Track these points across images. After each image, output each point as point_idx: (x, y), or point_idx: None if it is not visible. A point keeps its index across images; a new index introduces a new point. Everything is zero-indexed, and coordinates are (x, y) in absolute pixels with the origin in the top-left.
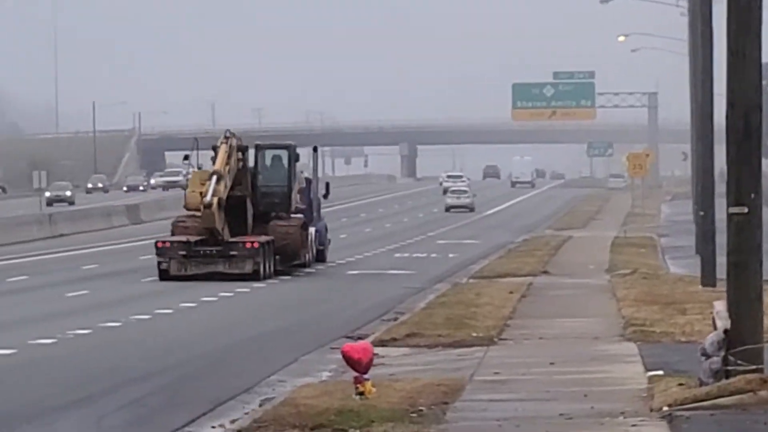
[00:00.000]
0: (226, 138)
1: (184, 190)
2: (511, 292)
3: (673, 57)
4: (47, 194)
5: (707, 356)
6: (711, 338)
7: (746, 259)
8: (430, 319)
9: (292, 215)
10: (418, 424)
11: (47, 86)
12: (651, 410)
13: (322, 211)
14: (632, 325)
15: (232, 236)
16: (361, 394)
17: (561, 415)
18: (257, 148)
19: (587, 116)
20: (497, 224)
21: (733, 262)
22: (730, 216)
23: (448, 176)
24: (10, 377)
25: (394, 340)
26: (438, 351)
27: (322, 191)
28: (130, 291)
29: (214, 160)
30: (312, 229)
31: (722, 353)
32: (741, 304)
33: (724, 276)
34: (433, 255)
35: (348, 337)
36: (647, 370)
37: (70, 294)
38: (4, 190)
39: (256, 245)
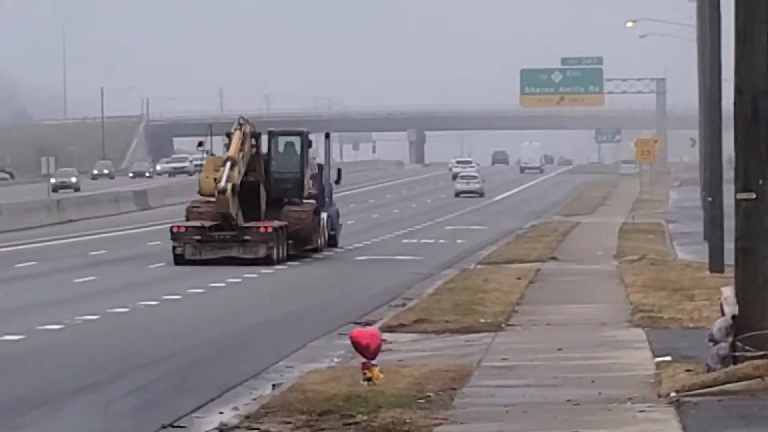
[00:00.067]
0: (240, 125)
1: (190, 175)
2: (519, 278)
3: (682, 43)
4: (52, 181)
5: (715, 342)
6: (719, 324)
7: (754, 245)
8: (438, 305)
9: (305, 201)
10: (426, 410)
11: (55, 72)
12: (659, 396)
13: (333, 196)
14: (640, 311)
15: (245, 221)
16: (369, 379)
17: (568, 401)
18: (270, 134)
19: (595, 102)
20: (505, 210)
21: (741, 248)
22: (738, 202)
23: (458, 162)
24: (19, 363)
25: (402, 326)
26: (446, 337)
27: (334, 177)
28: (138, 277)
29: (228, 146)
30: (324, 215)
31: (730, 339)
32: (749, 290)
33: (732, 262)
34: (441, 241)
35: (356, 323)
36: (655, 356)
37: (77, 280)
38: (12, 176)
39: (269, 230)
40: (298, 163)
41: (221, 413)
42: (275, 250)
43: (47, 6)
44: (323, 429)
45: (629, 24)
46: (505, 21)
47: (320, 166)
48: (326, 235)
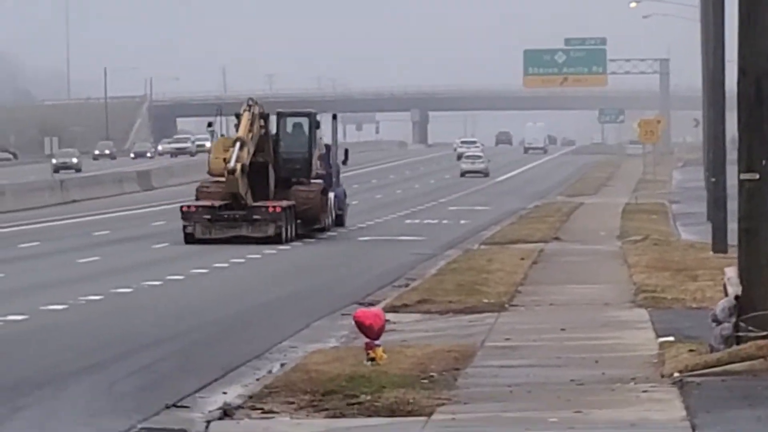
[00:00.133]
0: (249, 106)
1: (192, 156)
2: (522, 259)
3: (685, 23)
4: (53, 161)
5: (718, 322)
6: (722, 304)
7: (757, 226)
8: (442, 285)
9: (313, 181)
10: (429, 390)
11: (58, 52)
12: (662, 376)
13: (340, 177)
14: (643, 292)
15: (254, 201)
16: (373, 360)
17: (572, 380)
18: (279, 115)
19: (599, 83)
20: (509, 190)
21: (744, 228)
22: (741, 182)
23: (462, 142)
24: (22, 343)
25: (406, 306)
26: (449, 317)
27: (342, 158)
28: (142, 257)
29: (237, 127)
30: (331, 195)
31: (733, 319)
32: (752, 271)
33: (735, 242)
34: (445, 221)
35: (359, 304)
36: (658, 336)
37: (81, 260)
38: (15, 156)
39: (278, 210)
40: (307, 143)
41: (225, 393)
42: (284, 229)
43: None
44: (326, 409)
45: (633, 4)
46: (508, 1)
47: (328, 147)
48: (333, 215)
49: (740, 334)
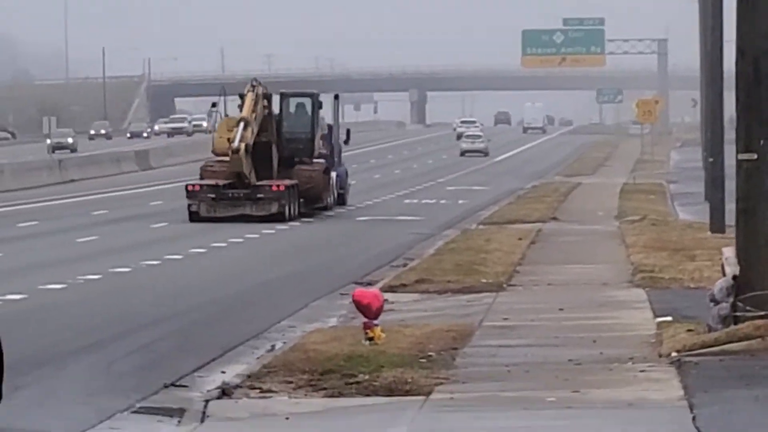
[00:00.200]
0: (253, 86)
1: (189, 136)
2: (520, 239)
3: (683, 3)
4: (48, 141)
5: (716, 302)
6: (720, 284)
7: (755, 206)
8: (440, 265)
9: (315, 160)
10: (428, 370)
11: (57, 32)
12: (659, 356)
13: (342, 156)
14: (641, 272)
15: (258, 180)
16: (371, 339)
17: (570, 360)
18: (282, 96)
19: (597, 63)
20: (507, 170)
21: (742, 208)
22: (739, 162)
23: (462, 122)
24: (20, 323)
25: (404, 286)
26: (447, 297)
27: (343, 137)
28: (140, 237)
29: (241, 107)
30: (333, 174)
31: (731, 299)
32: (750, 250)
33: (733, 222)
34: (443, 201)
35: (358, 283)
36: (656, 316)
37: (80, 239)
38: (13, 135)
39: (281, 188)
40: (309, 123)
41: (223, 373)
42: (287, 207)
43: None
44: (325, 388)
45: None
46: None
47: (330, 127)
48: (335, 194)
49: (738, 313)
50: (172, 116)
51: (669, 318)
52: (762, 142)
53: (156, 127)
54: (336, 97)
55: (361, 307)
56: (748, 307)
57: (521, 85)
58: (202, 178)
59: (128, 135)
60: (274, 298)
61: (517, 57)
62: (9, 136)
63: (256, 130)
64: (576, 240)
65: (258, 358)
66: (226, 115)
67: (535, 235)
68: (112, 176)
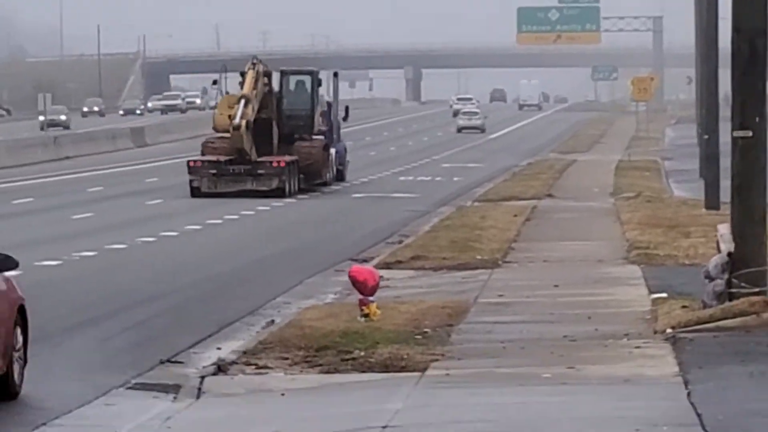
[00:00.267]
0: (254, 64)
1: (183, 113)
2: (515, 215)
3: None
4: (41, 118)
5: (711, 279)
6: (715, 261)
7: (750, 183)
8: (435, 242)
9: (315, 137)
10: (423, 346)
11: (52, 8)
12: (654, 332)
13: (341, 133)
14: (636, 248)
15: (258, 156)
16: (366, 316)
17: (565, 337)
18: (282, 73)
19: (592, 40)
20: (502, 147)
21: (737, 185)
22: (734, 140)
23: (458, 99)
24: None
25: (399, 262)
26: (443, 273)
27: (342, 114)
28: (136, 213)
29: (242, 84)
30: (333, 150)
31: (726, 276)
32: (745, 227)
33: (728, 199)
34: (438, 178)
35: (353, 260)
36: (651, 292)
37: (75, 216)
38: (9, 112)
39: (282, 164)
40: (309, 100)
41: (219, 349)
42: (287, 183)
43: None
44: (321, 365)
45: None
46: None
47: (329, 104)
48: (334, 170)
49: (733, 290)
50: (165, 93)
51: (664, 294)
52: (757, 119)
53: (149, 104)
54: (335, 74)
55: (357, 284)
56: (742, 284)
57: (516, 62)
58: (203, 154)
59: (121, 112)
60: (269, 275)
61: (513, 34)
62: (4, 113)
63: (256, 107)
64: (571, 217)
65: (257, 332)
66: (227, 92)
67: (530, 212)
68: (107, 153)
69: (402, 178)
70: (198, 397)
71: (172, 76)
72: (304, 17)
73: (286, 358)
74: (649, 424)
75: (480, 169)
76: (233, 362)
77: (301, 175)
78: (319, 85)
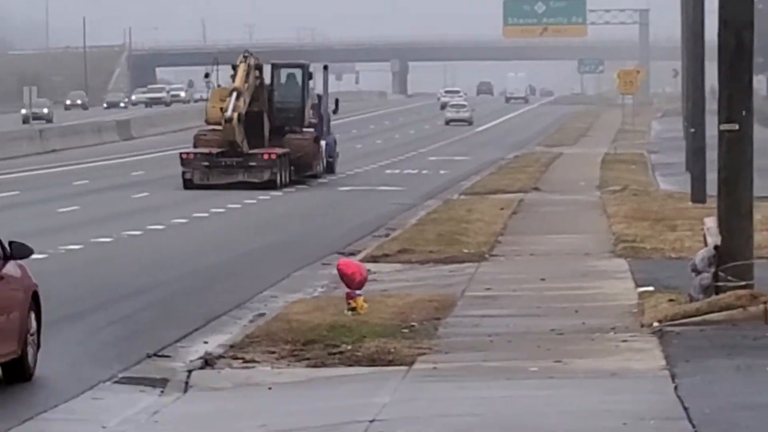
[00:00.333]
0: (245, 57)
1: (167, 106)
2: (502, 209)
3: None
4: (23, 111)
5: (697, 272)
6: (701, 254)
7: (737, 176)
8: (422, 235)
9: (305, 129)
10: (410, 340)
11: (38, 1)
12: (641, 326)
13: (331, 125)
14: (623, 242)
15: (250, 148)
16: (353, 309)
17: (552, 330)
18: (273, 66)
19: (578, 33)
20: (488, 141)
21: (723, 178)
22: (721, 133)
23: (446, 91)
24: None
25: (386, 256)
26: (429, 267)
27: (332, 107)
28: (122, 207)
29: (234, 77)
30: (323, 142)
31: (712, 269)
32: (731, 221)
33: (714, 192)
34: (425, 171)
35: (340, 253)
36: (637, 286)
37: (61, 209)
38: None
39: (273, 156)
40: (300, 93)
41: (206, 343)
42: (279, 175)
43: None
44: (308, 358)
45: None
46: None
47: (319, 97)
48: (325, 162)
49: (719, 283)
50: (150, 86)
51: (650, 288)
52: (744, 112)
53: (133, 97)
54: (325, 67)
55: (345, 277)
56: (729, 277)
57: (503, 55)
58: (195, 147)
59: (105, 105)
60: (256, 268)
61: (499, 27)
62: None
63: (248, 100)
64: (558, 210)
65: (244, 326)
66: (219, 85)
67: (516, 205)
68: (93, 146)
69: (389, 171)
70: (185, 391)
71: (158, 69)
72: (290, 10)
73: (273, 352)
74: (636, 417)
75: (466, 162)
76: (220, 356)
77: (292, 167)
78: (310, 78)
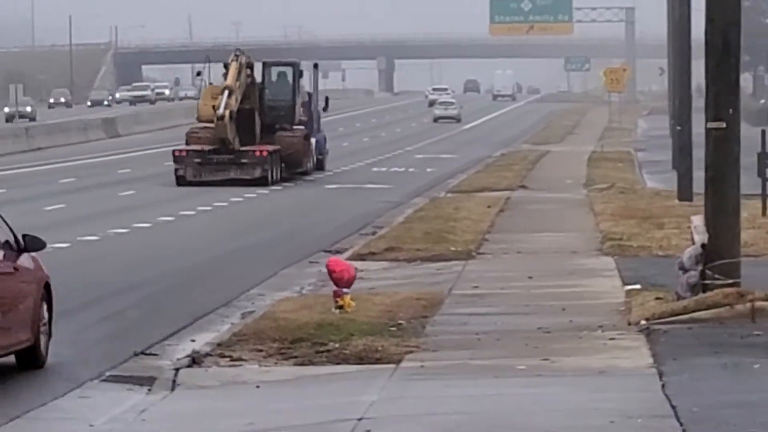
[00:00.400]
0: (237, 56)
1: (152, 104)
2: (489, 207)
3: None
4: (6, 110)
5: (685, 270)
6: (689, 252)
7: (724, 174)
8: (409, 233)
9: (296, 127)
10: (398, 338)
11: None
12: (629, 324)
13: (321, 123)
14: (610, 240)
15: (242, 146)
16: (341, 307)
17: (539, 328)
18: (264, 65)
19: (565, 31)
20: (475, 139)
21: (711, 176)
22: (708, 131)
23: (434, 89)
24: None
25: (373, 254)
26: (417, 265)
27: (322, 105)
28: (108, 205)
29: (225, 76)
30: (313, 140)
31: (700, 267)
32: (718, 219)
33: (701, 190)
34: (411, 169)
35: (327, 251)
36: (625, 284)
37: (47, 207)
38: None
39: (265, 154)
40: (290, 91)
41: (193, 341)
42: (270, 172)
43: None
44: (295, 357)
45: None
46: None
47: (309, 95)
48: (315, 159)
49: (706, 282)
50: (134, 84)
51: (638, 286)
52: (731, 110)
53: (117, 95)
54: (315, 66)
55: (334, 275)
56: (716, 275)
57: (489, 53)
58: (188, 144)
59: (89, 103)
60: (243, 266)
61: (485, 25)
62: None
63: (239, 98)
64: (545, 208)
65: (232, 324)
66: (210, 83)
67: (503, 203)
68: (79, 144)
69: (375, 169)
70: (172, 389)
71: (144, 67)
72: (277, 8)
73: (261, 350)
74: (623, 415)
75: (453, 160)
76: (208, 354)
77: (283, 164)
78: (301, 76)
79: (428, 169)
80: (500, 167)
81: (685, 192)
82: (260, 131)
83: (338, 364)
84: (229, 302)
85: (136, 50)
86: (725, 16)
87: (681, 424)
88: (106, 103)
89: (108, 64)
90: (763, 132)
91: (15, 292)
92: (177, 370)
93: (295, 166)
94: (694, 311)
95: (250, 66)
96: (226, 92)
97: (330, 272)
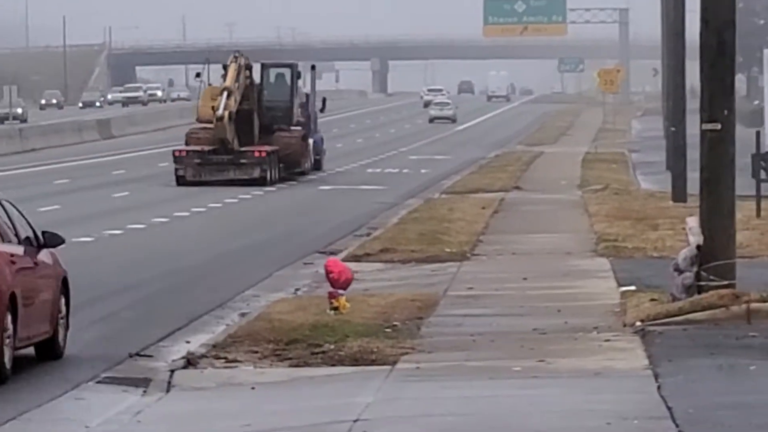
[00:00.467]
0: (236, 57)
1: (144, 105)
2: (483, 208)
3: None
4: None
5: (680, 271)
6: (684, 253)
7: (719, 175)
8: (403, 234)
9: (293, 127)
10: (393, 339)
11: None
12: (624, 325)
13: (318, 123)
14: (604, 241)
15: (240, 146)
16: (336, 309)
17: (535, 329)
18: (263, 66)
19: (558, 32)
20: (469, 140)
21: (706, 178)
22: (703, 132)
23: (429, 90)
24: None
25: (368, 255)
26: (411, 266)
27: (319, 106)
28: (103, 206)
29: (224, 77)
30: (311, 140)
31: (695, 269)
32: (714, 220)
33: (695, 192)
34: (405, 170)
35: (321, 252)
36: (620, 285)
37: (41, 209)
38: None
39: (263, 154)
40: (288, 92)
41: (188, 342)
42: (268, 172)
43: None
44: (290, 358)
45: None
46: None
47: (307, 96)
48: (312, 159)
49: (702, 283)
50: (126, 85)
51: (633, 287)
52: (726, 112)
53: (109, 96)
54: (313, 67)
55: (331, 275)
56: (711, 277)
57: (483, 54)
58: (187, 144)
59: (80, 104)
60: (238, 268)
61: (479, 26)
62: None
63: (238, 99)
64: (539, 209)
65: (227, 326)
66: (209, 84)
67: (498, 204)
68: (73, 145)
69: (370, 170)
70: (168, 390)
71: (138, 68)
72: (271, 9)
73: (256, 352)
74: (619, 417)
75: (447, 161)
76: (203, 356)
77: (281, 164)
78: (299, 77)
79: (422, 170)
80: (494, 168)
81: (679, 193)
82: (259, 132)
83: (333, 365)
84: (224, 303)
85: (129, 51)
86: (720, 17)
87: (677, 426)
88: (98, 104)
89: (102, 65)
90: (758, 133)
91: (35, 286)
92: (172, 371)
93: (293, 166)
94: (689, 312)
95: (249, 67)
96: (225, 93)
97: (327, 273)
